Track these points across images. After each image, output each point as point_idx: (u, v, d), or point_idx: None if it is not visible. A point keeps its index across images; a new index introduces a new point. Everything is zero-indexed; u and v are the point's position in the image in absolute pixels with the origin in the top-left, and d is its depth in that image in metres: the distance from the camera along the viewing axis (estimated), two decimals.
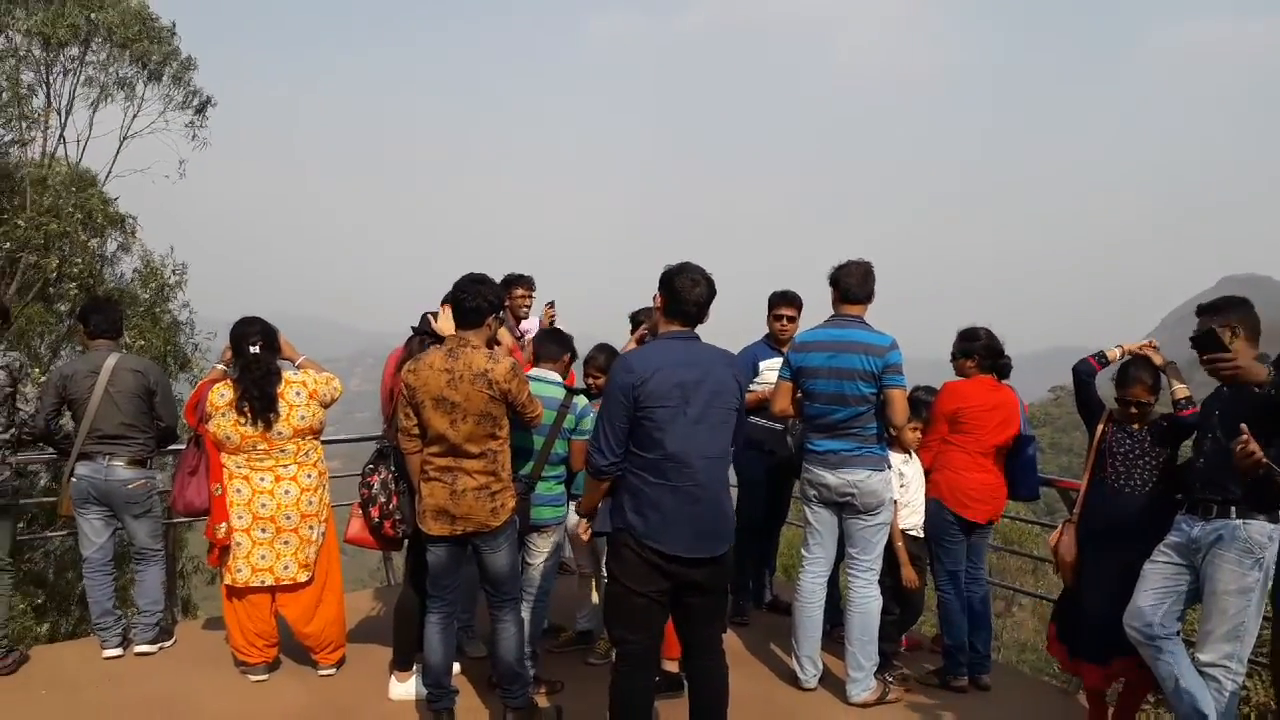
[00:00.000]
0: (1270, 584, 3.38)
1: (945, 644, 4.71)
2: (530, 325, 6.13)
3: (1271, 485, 2.90)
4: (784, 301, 5.32)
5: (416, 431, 3.72)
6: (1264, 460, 2.75)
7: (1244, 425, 2.86)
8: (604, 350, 4.69)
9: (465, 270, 3.82)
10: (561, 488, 4.28)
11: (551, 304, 5.98)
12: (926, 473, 4.75)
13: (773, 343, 5.37)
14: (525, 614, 4.12)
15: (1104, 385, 4.28)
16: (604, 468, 3.32)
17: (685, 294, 3.32)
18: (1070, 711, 4.51)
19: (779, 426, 5.20)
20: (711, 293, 3.37)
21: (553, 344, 4.38)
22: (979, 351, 4.62)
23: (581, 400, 4.19)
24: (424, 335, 4.17)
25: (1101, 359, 4.24)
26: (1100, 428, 4.09)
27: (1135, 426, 3.96)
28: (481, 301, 3.71)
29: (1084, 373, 4.27)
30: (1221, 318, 3.37)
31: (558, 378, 4.27)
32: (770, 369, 5.26)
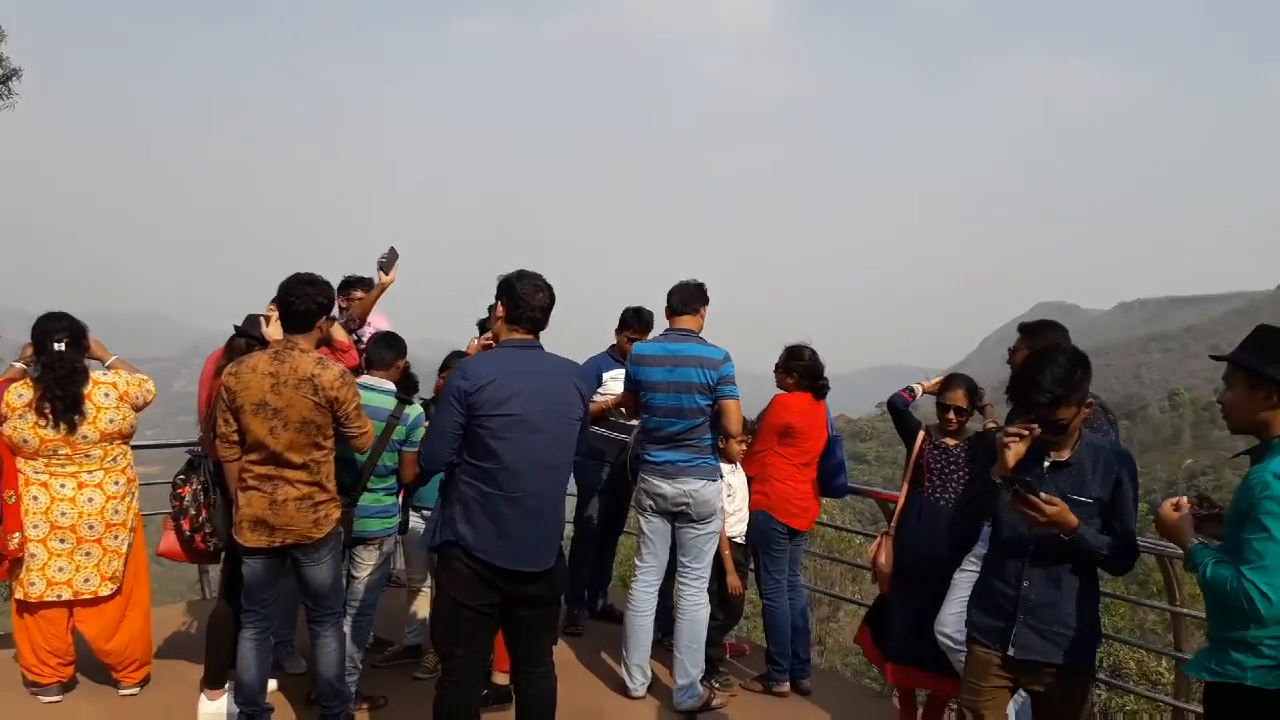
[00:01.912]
0: None
1: (769, 650, 4.87)
2: (365, 331, 5.94)
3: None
4: (637, 322, 5.35)
5: (235, 438, 3.54)
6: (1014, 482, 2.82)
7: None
8: (460, 358, 4.61)
9: (308, 267, 3.68)
10: (392, 499, 4.17)
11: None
12: (750, 481, 4.92)
13: (617, 355, 5.43)
14: (347, 628, 3.98)
15: (928, 404, 4.58)
16: (428, 470, 3.27)
17: (528, 300, 3.31)
18: (885, 713, 4.76)
19: (621, 436, 5.26)
20: (552, 299, 3.37)
21: (385, 349, 4.25)
22: (799, 370, 4.84)
23: (414, 410, 4.10)
24: (249, 337, 3.98)
25: (912, 392, 4.58)
26: (918, 444, 4.36)
27: (950, 443, 4.23)
28: (311, 304, 3.57)
29: (898, 403, 4.60)
30: (1039, 338, 3.79)
31: (390, 386, 4.15)
32: (615, 379, 5.32)
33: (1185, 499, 2.73)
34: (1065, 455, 2.91)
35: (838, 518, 15.57)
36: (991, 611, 3.00)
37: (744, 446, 4.89)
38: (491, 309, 3.42)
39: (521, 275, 3.35)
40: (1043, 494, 2.75)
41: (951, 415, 4.23)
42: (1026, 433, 2.84)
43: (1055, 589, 2.90)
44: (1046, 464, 2.91)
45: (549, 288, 3.36)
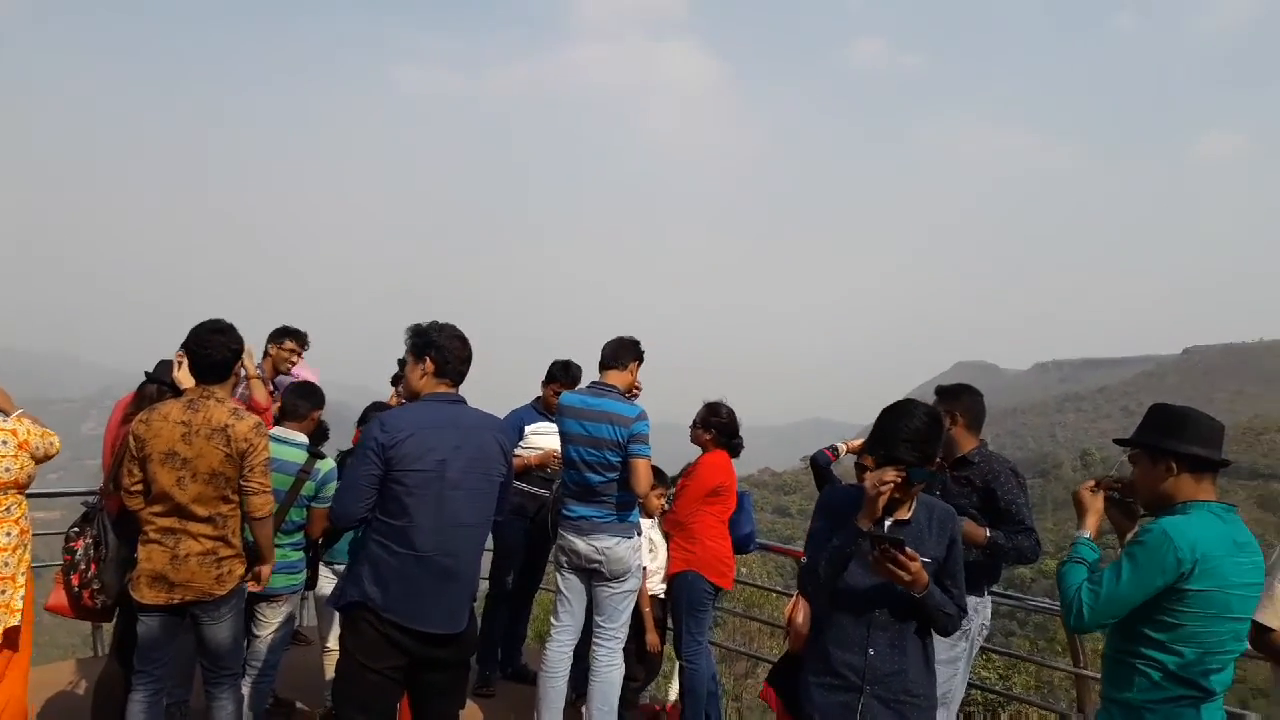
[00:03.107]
0: (975, 653, 3.74)
1: (684, 713, 4.83)
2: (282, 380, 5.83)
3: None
4: (564, 375, 5.33)
5: (140, 488, 3.42)
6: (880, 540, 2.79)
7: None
8: (380, 409, 4.54)
9: (227, 307, 3.59)
10: (299, 554, 4.06)
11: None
12: (668, 538, 4.93)
13: (542, 408, 5.41)
14: (246, 690, 3.84)
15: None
16: (339, 526, 3.19)
17: (456, 353, 3.29)
18: None
19: (542, 492, 5.22)
20: (471, 352, 3.35)
21: (301, 400, 4.16)
22: (718, 427, 4.90)
23: (325, 465, 4.01)
24: (160, 384, 3.87)
25: (835, 451, 4.67)
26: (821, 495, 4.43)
27: None
28: (225, 353, 3.50)
29: (821, 460, 4.68)
30: (954, 403, 3.97)
31: (302, 439, 4.06)
32: (537, 434, 5.30)
33: (1102, 483, 2.88)
34: (906, 515, 2.85)
35: (757, 573, 15.62)
36: (833, 685, 2.82)
37: (663, 501, 4.91)
38: (402, 363, 3.38)
39: (440, 327, 3.31)
40: (907, 550, 2.65)
41: (869, 472, 4.31)
42: (900, 479, 2.73)
43: (901, 655, 2.81)
44: (888, 523, 2.83)
45: (468, 339, 3.35)
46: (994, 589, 4.27)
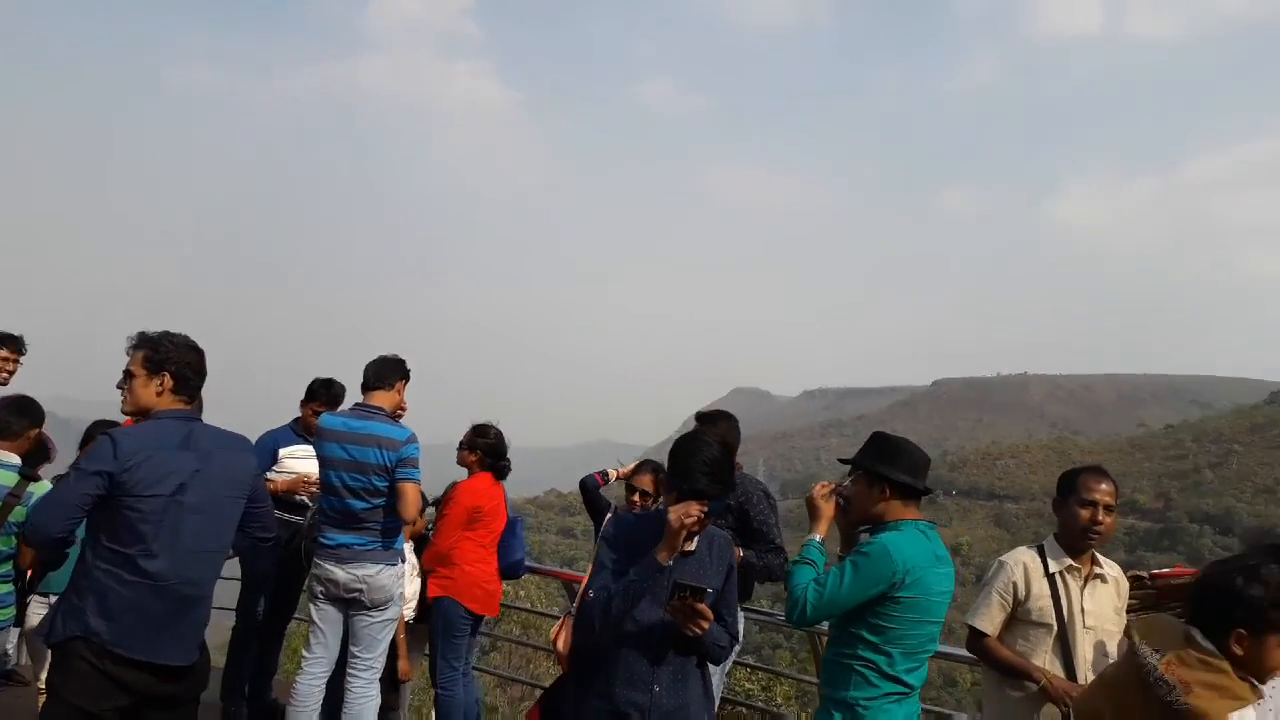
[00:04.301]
0: (728, 669, 3.86)
1: None
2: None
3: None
4: (325, 394, 5.06)
5: None
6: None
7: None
8: (106, 428, 4.13)
9: None
10: (8, 587, 3.64)
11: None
12: (427, 570, 4.80)
13: (300, 429, 5.14)
14: None
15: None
16: (35, 539, 2.88)
17: (195, 367, 3.08)
18: None
19: (294, 518, 4.96)
20: (206, 366, 3.15)
21: (15, 416, 3.74)
22: (484, 448, 4.84)
23: (40, 488, 3.62)
24: None
25: (605, 476, 4.73)
26: (605, 524, 4.49)
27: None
28: None
29: (590, 484, 4.74)
30: (713, 428, 4.08)
31: (14, 460, 3.66)
32: (291, 457, 5.03)
33: (837, 491, 3.10)
34: (691, 546, 2.80)
35: (536, 596, 15.57)
36: None
37: (424, 524, 4.80)
38: (128, 374, 3.08)
39: (173, 338, 3.08)
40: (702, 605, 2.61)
41: (637, 497, 4.42)
42: (704, 513, 2.70)
43: (683, 689, 2.80)
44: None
45: (203, 352, 3.15)
46: (751, 607, 4.47)
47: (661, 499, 4.53)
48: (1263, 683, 2.28)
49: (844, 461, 3.16)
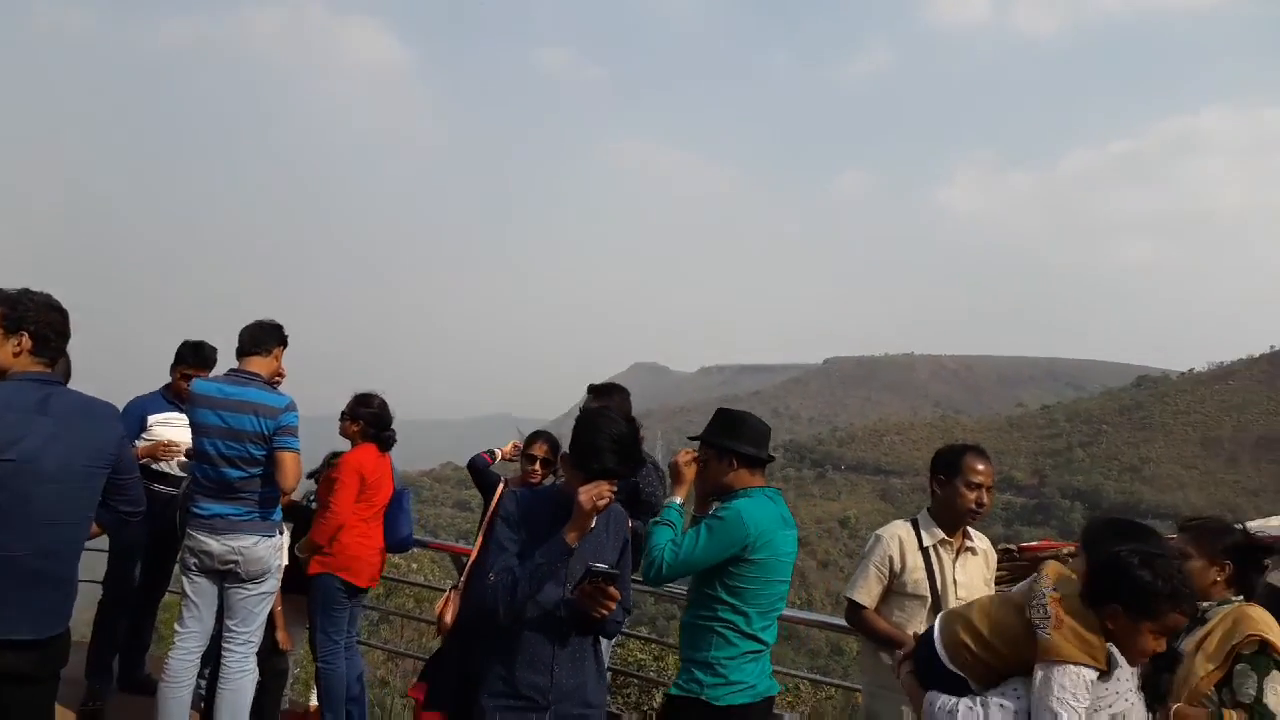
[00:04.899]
0: (613, 642, 3.87)
1: (324, 715, 4.63)
2: None
3: None
4: (194, 356, 4.82)
5: None
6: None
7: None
8: None
9: None
10: None
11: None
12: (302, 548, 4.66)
13: (171, 395, 4.91)
14: None
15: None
16: None
17: (57, 328, 2.90)
18: None
19: (167, 489, 4.74)
20: (70, 327, 2.97)
21: None
22: (367, 418, 4.70)
23: None
24: None
25: (492, 455, 4.71)
26: (495, 498, 4.45)
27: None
28: None
29: (478, 463, 4.71)
30: (607, 400, 4.17)
31: None
32: (161, 424, 4.83)
33: (697, 455, 3.25)
34: (592, 524, 2.73)
35: (429, 570, 15.40)
36: (516, 708, 2.71)
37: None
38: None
39: (34, 296, 2.89)
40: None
41: (536, 466, 4.40)
42: (614, 493, 2.69)
43: (581, 668, 2.78)
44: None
45: (67, 312, 2.97)
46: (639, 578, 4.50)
47: (559, 472, 4.52)
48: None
49: (694, 439, 3.32)
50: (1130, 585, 2.32)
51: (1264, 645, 2.69)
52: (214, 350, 4.82)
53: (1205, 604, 2.85)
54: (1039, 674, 2.32)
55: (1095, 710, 2.33)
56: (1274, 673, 2.66)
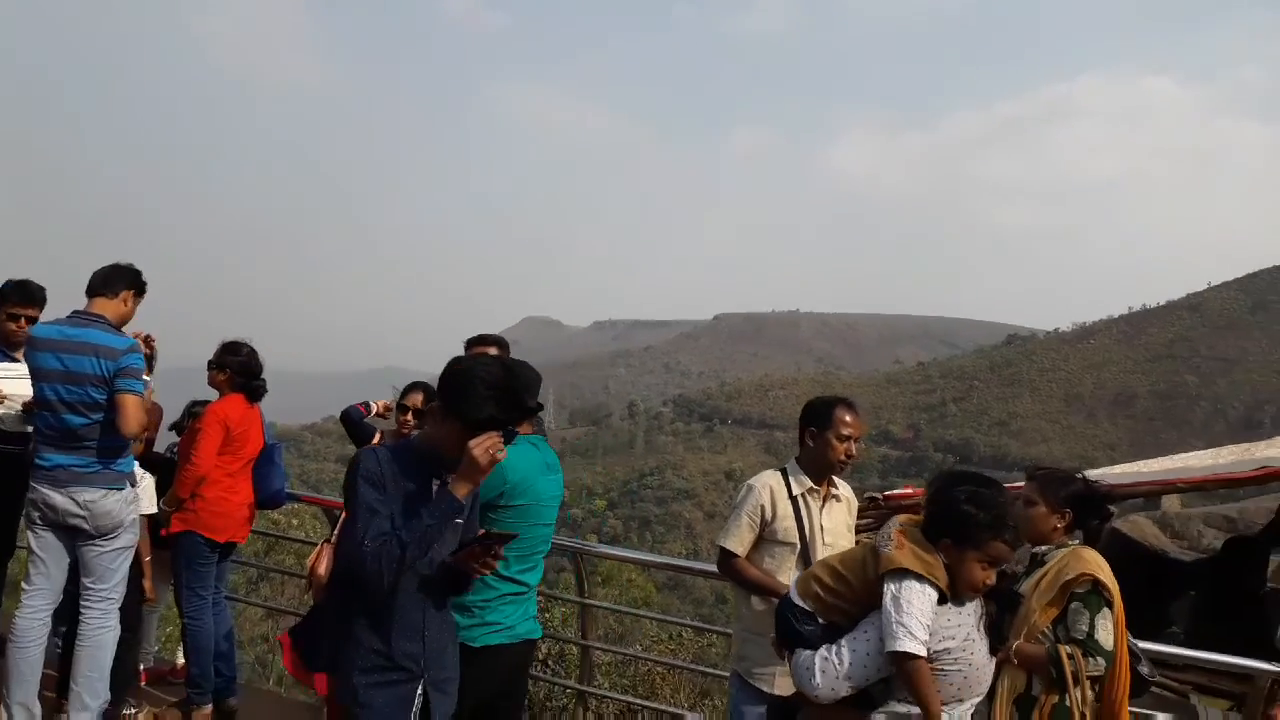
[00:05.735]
0: None
1: (191, 672, 4.49)
2: None
3: None
4: (19, 294, 4.40)
5: None
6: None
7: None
8: None
9: None
10: None
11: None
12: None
13: (1, 344, 4.49)
14: None
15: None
16: None
17: None
18: None
19: (11, 449, 4.41)
20: None
21: None
22: (234, 367, 4.52)
23: None
24: None
25: (367, 406, 4.71)
26: (363, 460, 4.36)
27: None
28: None
29: (353, 415, 4.69)
30: (487, 350, 3.88)
31: None
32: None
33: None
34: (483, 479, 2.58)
35: (309, 526, 15.02)
36: (393, 680, 2.56)
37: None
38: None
39: None
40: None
41: (409, 417, 4.31)
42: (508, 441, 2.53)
43: (445, 632, 2.71)
44: (436, 485, 2.56)
45: None
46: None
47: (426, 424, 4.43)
48: (959, 599, 2.61)
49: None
50: (955, 517, 2.56)
51: (1095, 584, 2.90)
52: (41, 288, 4.44)
53: (1045, 548, 3.06)
54: (887, 594, 2.54)
55: (938, 639, 2.53)
56: (1104, 610, 2.88)
